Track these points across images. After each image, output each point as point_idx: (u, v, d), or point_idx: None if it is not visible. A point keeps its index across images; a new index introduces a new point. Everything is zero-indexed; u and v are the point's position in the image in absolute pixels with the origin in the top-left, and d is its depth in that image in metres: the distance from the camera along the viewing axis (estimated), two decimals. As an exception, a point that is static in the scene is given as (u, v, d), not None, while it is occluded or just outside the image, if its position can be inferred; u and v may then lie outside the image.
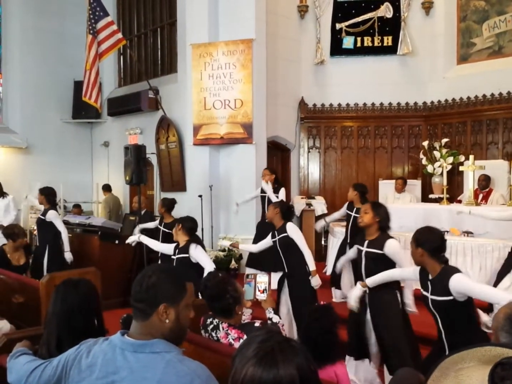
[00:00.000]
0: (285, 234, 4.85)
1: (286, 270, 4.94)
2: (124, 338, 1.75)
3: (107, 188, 10.98)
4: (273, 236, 5.01)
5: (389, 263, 4.00)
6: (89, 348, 1.82)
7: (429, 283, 3.18)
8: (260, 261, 7.09)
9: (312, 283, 4.80)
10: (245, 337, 2.91)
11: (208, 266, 4.59)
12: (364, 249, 4.09)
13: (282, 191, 7.23)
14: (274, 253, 5.10)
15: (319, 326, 2.98)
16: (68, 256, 6.69)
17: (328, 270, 7.33)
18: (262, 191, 7.36)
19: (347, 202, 6.49)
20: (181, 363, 1.67)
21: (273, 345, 1.26)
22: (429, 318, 3.34)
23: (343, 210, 6.53)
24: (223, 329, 2.99)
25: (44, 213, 6.78)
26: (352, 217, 6.25)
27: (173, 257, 4.89)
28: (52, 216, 6.66)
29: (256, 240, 7.36)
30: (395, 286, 4.07)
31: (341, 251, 6.24)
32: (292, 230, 4.86)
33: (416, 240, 3.21)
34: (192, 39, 8.58)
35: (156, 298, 1.73)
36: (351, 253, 4.55)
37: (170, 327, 1.74)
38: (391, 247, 3.95)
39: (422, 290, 3.28)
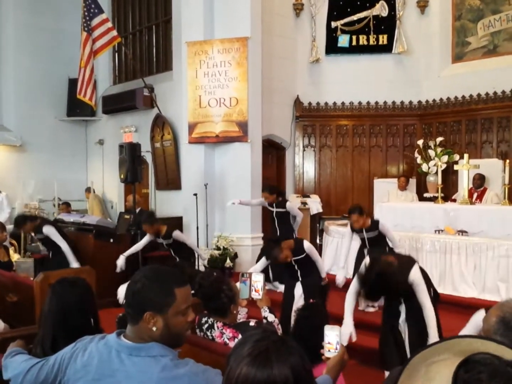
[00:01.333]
0: (303, 256, 4.82)
1: (300, 279, 4.94)
2: (120, 339, 1.74)
3: (89, 189, 11.33)
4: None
5: None
6: (85, 346, 1.81)
7: None
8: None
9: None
10: (240, 336, 2.91)
11: None
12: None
13: (290, 206, 7.06)
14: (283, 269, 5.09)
15: (308, 324, 2.98)
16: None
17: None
18: (274, 206, 7.14)
19: None
20: (176, 368, 1.66)
21: (268, 344, 1.26)
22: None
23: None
24: (218, 328, 2.98)
25: (39, 230, 6.42)
26: (366, 239, 6.13)
27: None
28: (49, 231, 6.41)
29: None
30: (428, 284, 4.00)
31: (360, 255, 6.11)
32: (311, 249, 4.87)
33: None
34: (187, 37, 8.55)
35: (140, 306, 1.69)
36: None
37: (159, 334, 1.70)
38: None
39: None
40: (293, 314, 4.56)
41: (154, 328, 1.69)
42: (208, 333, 3.02)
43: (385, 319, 4.07)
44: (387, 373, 4.08)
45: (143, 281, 1.71)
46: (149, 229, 6.37)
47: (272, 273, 6.87)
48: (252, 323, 3.01)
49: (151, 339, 1.70)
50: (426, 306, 3.79)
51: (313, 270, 4.89)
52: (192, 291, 1.92)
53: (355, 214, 5.65)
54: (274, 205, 7.11)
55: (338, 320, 4.59)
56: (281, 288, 6.85)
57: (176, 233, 6.44)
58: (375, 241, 5.75)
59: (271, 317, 3.32)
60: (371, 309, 5.72)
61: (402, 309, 3.94)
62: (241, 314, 3.35)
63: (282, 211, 7.02)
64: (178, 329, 1.75)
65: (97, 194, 11.47)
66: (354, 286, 4.08)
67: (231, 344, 2.88)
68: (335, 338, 2.16)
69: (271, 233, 7.40)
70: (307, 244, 4.89)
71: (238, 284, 3.25)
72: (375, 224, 5.73)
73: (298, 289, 4.90)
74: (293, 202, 7.19)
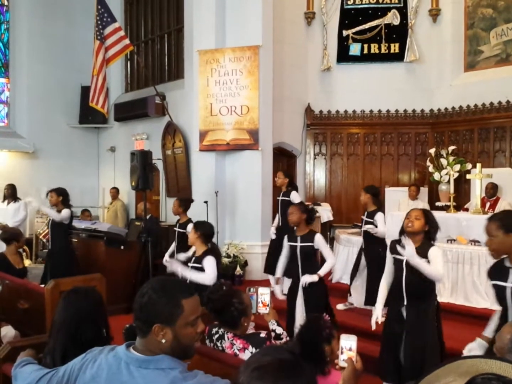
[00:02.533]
0: (311, 244, 4.69)
1: (301, 275, 4.76)
2: (129, 352, 1.73)
3: (116, 189, 11.03)
4: (293, 241, 4.81)
5: None
6: (94, 357, 1.81)
7: (511, 270, 3.00)
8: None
9: (304, 278, 4.64)
10: (250, 347, 2.90)
11: (207, 277, 4.33)
12: (406, 258, 3.89)
13: (293, 195, 7.03)
14: (288, 258, 4.94)
15: (304, 337, 2.96)
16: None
17: (334, 278, 7.30)
18: (281, 195, 7.20)
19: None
20: (185, 380, 1.65)
21: (279, 362, 1.27)
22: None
23: None
24: (228, 339, 2.97)
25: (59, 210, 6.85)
26: (363, 221, 6.06)
27: (189, 264, 4.60)
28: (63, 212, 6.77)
29: (275, 245, 7.30)
30: (434, 297, 3.99)
31: (358, 260, 6.12)
32: (321, 243, 4.71)
33: (504, 226, 2.97)
34: (199, 45, 8.60)
35: (149, 319, 1.69)
36: (388, 274, 4.17)
37: (169, 346, 1.70)
38: (433, 254, 3.84)
39: (497, 281, 3.09)
40: (297, 322, 4.55)
41: (163, 340, 1.69)
42: (219, 344, 3.01)
43: (387, 326, 4.07)
44: None
45: (150, 294, 1.71)
46: (178, 205, 6.69)
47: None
48: (263, 334, 3.00)
49: (161, 351, 1.70)
50: (435, 275, 3.82)
51: (314, 272, 4.73)
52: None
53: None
54: (282, 193, 7.16)
55: (342, 328, 4.58)
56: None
57: (190, 227, 6.54)
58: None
59: (279, 330, 3.30)
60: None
61: (402, 318, 3.93)
62: (249, 328, 3.33)
63: (287, 200, 7.03)
64: (188, 341, 1.74)
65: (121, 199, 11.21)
66: (387, 267, 4.14)
67: (241, 355, 2.87)
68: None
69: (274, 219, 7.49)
70: (319, 237, 4.71)
71: None
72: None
73: (300, 301, 4.76)
74: (298, 194, 7.18)
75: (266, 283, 7.87)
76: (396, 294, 3.97)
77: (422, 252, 3.83)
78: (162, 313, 1.69)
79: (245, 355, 2.87)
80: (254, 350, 2.89)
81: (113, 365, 1.72)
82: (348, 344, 2.15)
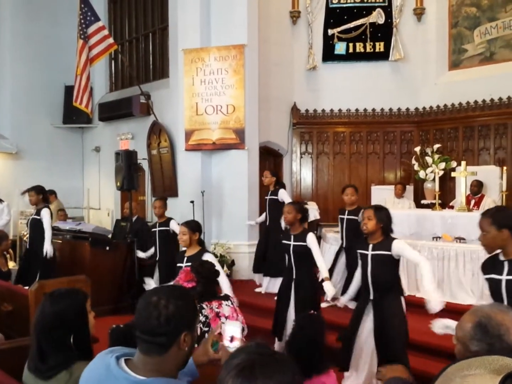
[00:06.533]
0: (304, 244, 4.66)
1: (294, 276, 4.75)
2: (121, 369, 1.63)
3: (53, 192, 9.96)
4: (287, 239, 4.80)
5: (395, 264, 4.08)
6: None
7: (505, 263, 3.03)
8: (266, 265, 7.03)
9: (325, 288, 4.56)
10: (223, 302, 3.61)
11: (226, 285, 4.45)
12: (370, 252, 4.07)
13: (281, 193, 7.01)
14: (279, 256, 4.97)
15: (304, 335, 2.94)
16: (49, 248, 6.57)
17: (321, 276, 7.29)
18: (269, 194, 7.21)
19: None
20: None
21: (255, 358, 1.25)
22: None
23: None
24: (207, 306, 3.49)
25: (38, 213, 6.73)
26: (345, 220, 6.14)
27: (180, 265, 4.56)
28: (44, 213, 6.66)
29: (262, 243, 7.33)
30: (400, 291, 4.09)
31: (337, 258, 6.17)
32: (312, 241, 4.68)
33: (496, 222, 3.02)
34: (184, 44, 8.55)
35: (178, 329, 1.63)
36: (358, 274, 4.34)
37: (186, 353, 1.68)
38: (398, 246, 4.01)
39: (491, 275, 3.12)
40: (290, 324, 4.53)
41: (186, 348, 1.66)
42: (200, 318, 3.41)
43: (353, 316, 4.26)
44: (347, 374, 4.20)
45: (174, 302, 1.64)
46: (159, 206, 6.65)
47: (269, 265, 6.89)
48: (222, 294, 3.88)
49: (176, 363, 1.66)
50: (418, 259, 4.04)
51: (307, 273, 4.75)
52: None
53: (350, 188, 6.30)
54: (269, 192, 7.17)
55: (334, 328, 4.58)
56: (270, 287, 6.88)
57: (174, 223, 6.50)
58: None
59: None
60: (350, 305, 5.57)
61: (369, 310, 4.08)
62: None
63: (275, 199, 7.04)
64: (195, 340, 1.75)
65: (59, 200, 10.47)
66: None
67: (221, 310, 3.54)
68: (233, 333, 1.95)
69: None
70: (311, 236, 4.68)
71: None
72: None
73: (293, 302, 4.73)
74: (286, 192, 7.18)
75: (253, 283, 7.87)
76: (364, 289, 4.16)
77: (385, 247, 4.03)
78: (189, 319, 1.68)
79: (224, 309, 3.57)
80: (227, 303, 3.64)
81: (102, 375, 1.66)
82: (232, 330, 2.00)
